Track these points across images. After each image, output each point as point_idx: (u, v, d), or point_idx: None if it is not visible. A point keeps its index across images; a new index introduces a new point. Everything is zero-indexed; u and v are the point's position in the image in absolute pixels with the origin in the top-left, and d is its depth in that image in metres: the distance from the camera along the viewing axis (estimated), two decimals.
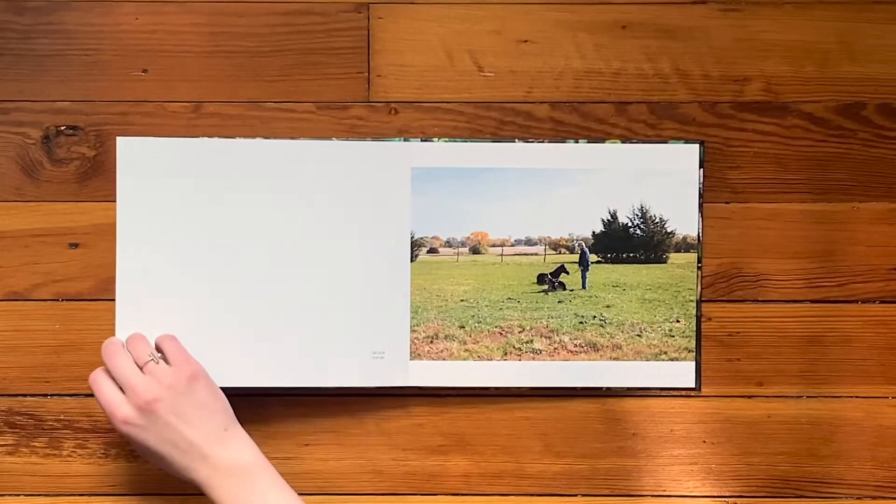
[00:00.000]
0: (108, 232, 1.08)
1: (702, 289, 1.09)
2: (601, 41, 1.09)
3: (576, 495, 1.11)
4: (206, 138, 1.08)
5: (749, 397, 1.10)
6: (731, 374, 1.10)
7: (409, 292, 1.08)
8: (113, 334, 1.08)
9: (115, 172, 1.08)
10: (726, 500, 1.11)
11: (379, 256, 1.08)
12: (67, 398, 1.10)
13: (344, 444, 1.10)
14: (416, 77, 1.09)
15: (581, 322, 1.09)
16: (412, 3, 1.09)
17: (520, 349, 1.09)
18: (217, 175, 1.07)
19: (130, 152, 1.07)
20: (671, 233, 1.09)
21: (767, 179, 1.09)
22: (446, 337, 1.08)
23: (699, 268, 1.09)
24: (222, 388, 1.08)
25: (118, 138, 1.07)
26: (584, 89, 1.09)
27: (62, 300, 1.09)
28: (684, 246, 1.09)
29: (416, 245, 1.08)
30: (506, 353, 1.09)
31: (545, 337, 1.09)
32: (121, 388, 0.97)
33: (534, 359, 1.09)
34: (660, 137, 1.09)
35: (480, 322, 1.09)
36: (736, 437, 1.10)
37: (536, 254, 1.10)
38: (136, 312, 1.07)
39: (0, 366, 1.09)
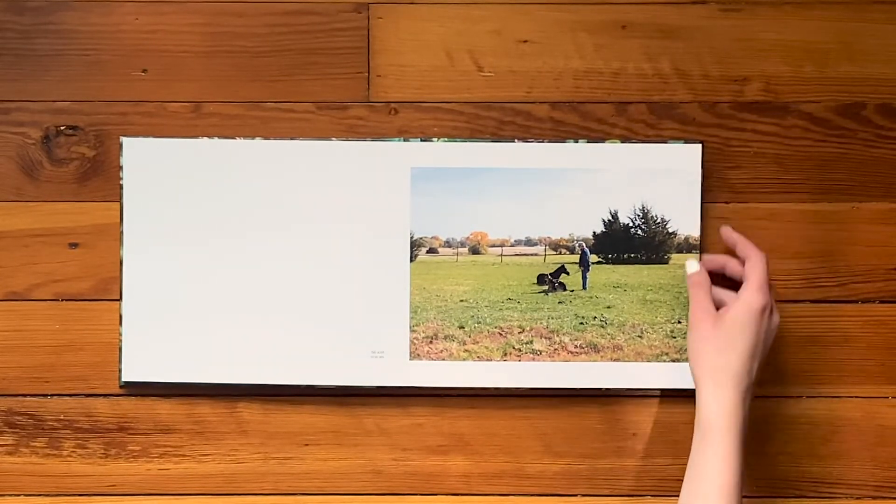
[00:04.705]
0: (108, 232, 1.08)
1: None
2: (601, 41, 1.09)
3: (576, 495, 1.10)
4: (209, 139, 1.08)
5: None
6: None
7: (409, 292, 1.08)
8: (113, 334, 1.08)
9: (115, 172, 1.08)
10: None
11: (378, 256, 1.08)
12: (67, 398, 1.10)
13: (344, 444, 1.10)
14: (416, 77, 1.09)
15: (581, 323, 1.09)
16: (412, 3, 1.09)
17: (520, 350, 1.09)
18: (219, 175, 1.07)
19: (135, 152, 1.07)
20: (673, 233, 1.09)
21: (767, 179, 1.09)
22: (446, 337, 1.08)
23: None
24: (222, 386, 1.08)
25: (123, 139, 1.07)
26: (583, 89, 1.09)
27: (62, 300, 1.09)
28: (686, 246, 1.08)
29: (415, 245, 1.08)
30: (505, 354, 1.09)
31: (545, 338, 1.09)
32: None
33: (534, 359, 1.09)
34: (660, 137, 1.09)
35: (480, 322, 1.09)
36: None
37: (536, 254, 1.10)
38: (141, 311, 1.07)
39: (0, 366, 1.09)
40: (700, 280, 1.05)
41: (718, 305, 1.03)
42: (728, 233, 1.07)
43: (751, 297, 1.00)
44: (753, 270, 1.01)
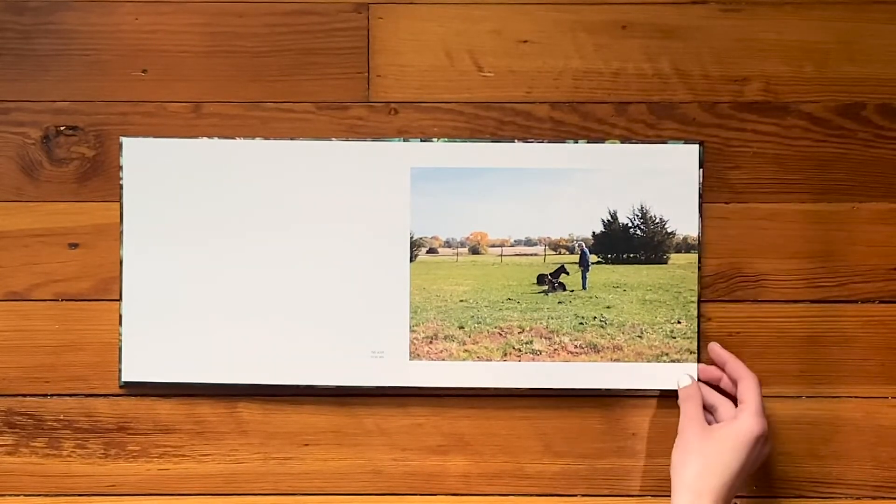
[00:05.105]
0: (107, 232, 1.08)
1: (701, 289, 1.09)
2: (601, 41, 1.09)
3: (575, 495, 1.10)
4: (209, 139, 1.08)
5: None
6: None
7: (409, 292, 1.08)
8: (113, 334, 1.08)
9: (114, 172, 1.08)
10: None
11: (378, 256, 1.08)
12: (67, 398, 1.10)
13: (344, 444, 1.10)
14: (416, 77, 1.09)
15: (581, 323, 1.09)
16: (412, 3, 1.09)
17: (519, 350, 1.09)
18: (219, 175, 1.07)
19: (135, 152, 1.07)
20: (672, 233, 1.09)
21: (767, 179, 1.09)
22: (445, 337, 1.08)
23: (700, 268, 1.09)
24: (222, 386, 1.08)
25: (123, 139, 1.07)
26: (583, 89, 1.09)
27: (62, 300, 1.09)
28: (685, 246, 1.08)
29: (415, 245, 1.08)
30: (505, 354, 1.09)
31: (545, 338, 1.09)
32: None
33: (534, 359, 1.09)
34: (659, 137, 1.09)
35: (480, 322, 1.09)
36: None
37: (536, 254, 1.10)
38: (141, 311, 1.07)
39: (0, 366, 1.09)
40: (691, 393, 1.04)
41: (709, 409, 1.04)
42: (717, 351, 1.06)
43: (749, 420, 0.99)
44: (749, 393, 1.01)
